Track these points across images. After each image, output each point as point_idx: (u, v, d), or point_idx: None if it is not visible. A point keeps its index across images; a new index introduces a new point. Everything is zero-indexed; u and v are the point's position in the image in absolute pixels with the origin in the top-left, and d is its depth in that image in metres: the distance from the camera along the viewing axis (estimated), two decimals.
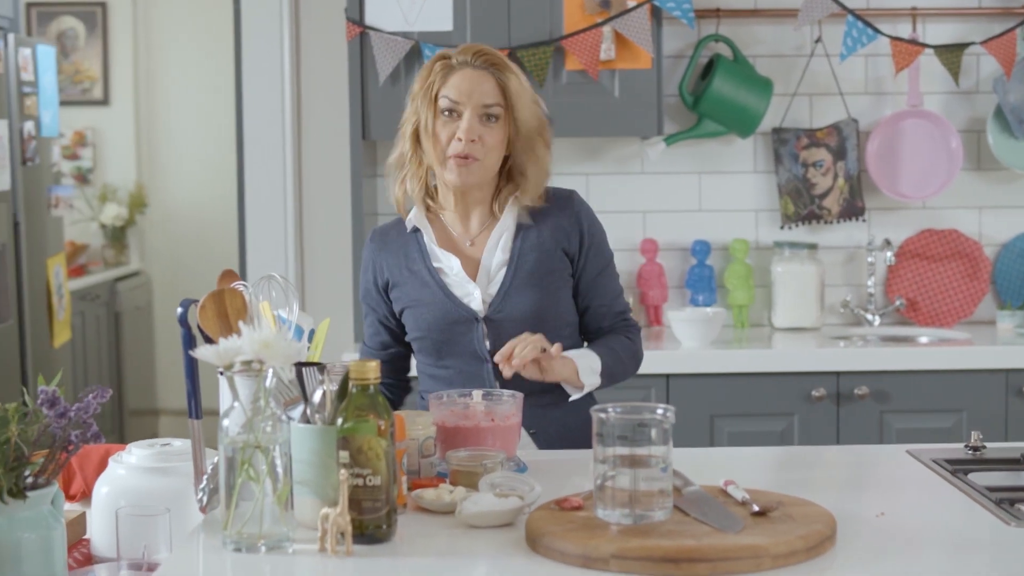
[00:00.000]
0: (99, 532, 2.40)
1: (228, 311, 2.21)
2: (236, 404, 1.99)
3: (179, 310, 2.22)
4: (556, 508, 2.06)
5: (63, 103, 7.34)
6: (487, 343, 2.72)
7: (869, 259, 4.46)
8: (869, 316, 4.47)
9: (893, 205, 4.50)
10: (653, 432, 1.96)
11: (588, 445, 2.23)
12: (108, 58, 7.48)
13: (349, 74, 4.14)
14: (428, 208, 2.82)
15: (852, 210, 4.41)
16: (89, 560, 2.41)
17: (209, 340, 2.19)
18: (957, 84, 4.32)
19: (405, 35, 4.11)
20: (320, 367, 2.15)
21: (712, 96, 4.30)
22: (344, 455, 1.98)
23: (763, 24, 4.45)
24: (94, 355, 6.57)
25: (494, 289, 2.74)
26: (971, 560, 1.92)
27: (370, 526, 1.99)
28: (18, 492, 2.07)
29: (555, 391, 2.73)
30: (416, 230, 2.81)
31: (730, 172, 4.51)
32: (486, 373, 2.72)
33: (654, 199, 4.51)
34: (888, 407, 3.96)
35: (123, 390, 6.93)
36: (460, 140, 2.67)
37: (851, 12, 4.19)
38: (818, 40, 4.40)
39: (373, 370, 2.01)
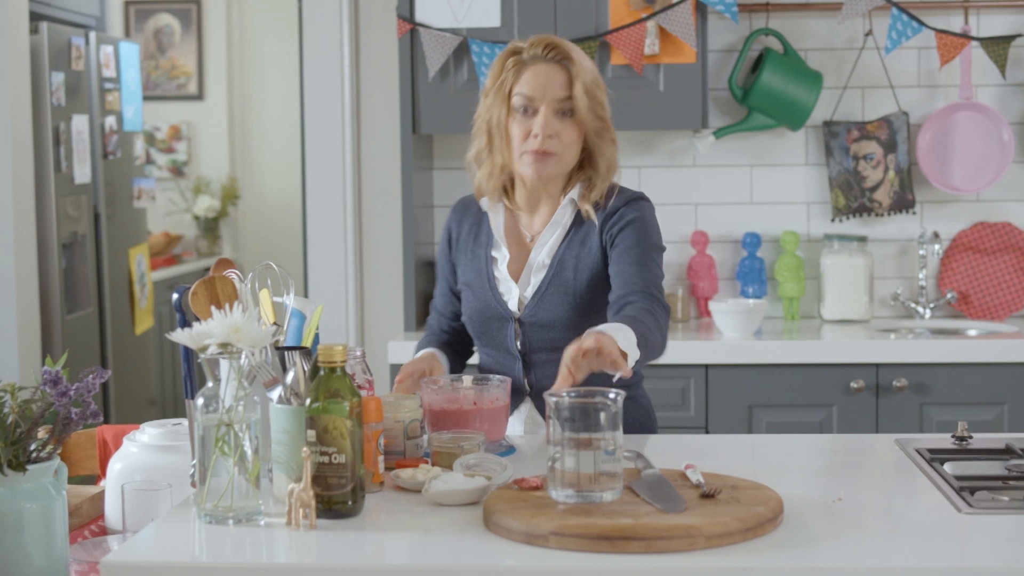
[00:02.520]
0: (111, 506, 2.54)
1: (219, 297, 2.33)
2: (210, 384, 2.11)
3: (174, 296, 2.35)
4: (516, 488, 2.15)
5: (160, 98, 7.60)
6: (518, 343, 2.75)
7: (921, 252, 4.46)
8: (920, 309, 4.47)
9: (945, 198, 4.49)
10: (602, 416, 2.04)
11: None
12: (203, 54, 7.72)
13: (400, 70, 4.26)
14: (505, 195, 2.80)
15: (902, 203, 4.41)
16: (104, 532, 2.55)
17: None
18: (1004, 77, 4.30)
19: (454, 31, 4.21)
20: (304, 351, 2.27)
21: (761, 89, 4.33)
22: (311, 434, 2.09)
23: (814, 18, 4.48)
24: None
25: (530, 292, 2.74)
26: (906, 543, 1.97)
27: (336, 502, 2.10)
28: (18, 465, 2.20)
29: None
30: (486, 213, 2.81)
31: (782, 165, 4.54)
32: (517, 370, 2.76)
33: (706, 192, 4.56)
34: (928, 399, 3.97)
35: None
36: (537, 136, 2.64)
37: (895, 5, 4.20)
38: (868, 33, 4.41)
39: (340, 353, 2.11)
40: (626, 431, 2.62)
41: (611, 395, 2.06)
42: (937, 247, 4.40)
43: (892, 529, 2.03)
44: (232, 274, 2.35)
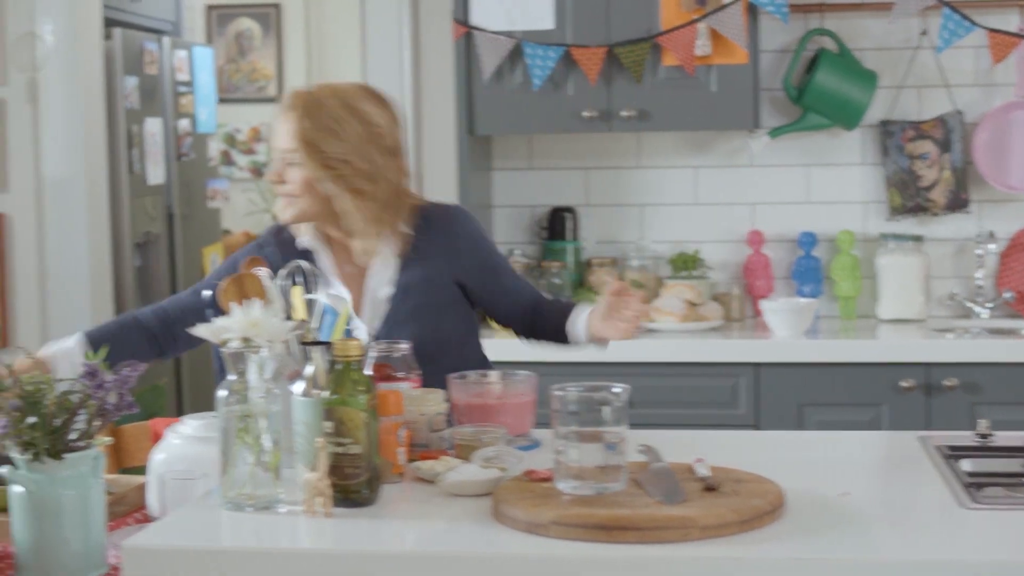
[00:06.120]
0: (152, 495, 2.64)
1: (248, 294, 2.42)
2: (232, 377, 2.20)
3: (206, 293, 2.45)
4: (525, 479, 2.21)
5: (240, 101, 7.76)
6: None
7: (978, 251, 4.44)
8: (977, 308, 4.46)
9: (1003, 197, 4.47)
10: (607, 411, 2.10)
11: None
12: (282, 57, 7.86)
13: (456, 72, 4.34)
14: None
15: (957, 202, 4.41)
16: (148, 520, 2.66)
17: None
18: None
19: (508, 34, 4.28)
20: (326, 346, 2.35)
21: (815, 89, 4.35)
22: (328, 425, 2.17)
23: (869, 17, 4.48)
24: None
25: (378, 324, 2.84)
26: (900, 536, 2.00)
27: (351, 491, 2.18)
28: (56, 454, 2.31)
29: None
30: (308, 251, 2.86)
31: (838, 164, 4.56)
32: None
33: (762, 191, 4.59)
34: (978, 399, 3.97)
35: None
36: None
37: (947, 4, 4.20)
38: (924, 33, 4.41)
39: (356, 348, 2.19)
40: None
41: (616, 390, 2.12)
42: (993, 246, 4.39)
43: (890, 523, 2.07)
44: (260, 271, 2.44)
